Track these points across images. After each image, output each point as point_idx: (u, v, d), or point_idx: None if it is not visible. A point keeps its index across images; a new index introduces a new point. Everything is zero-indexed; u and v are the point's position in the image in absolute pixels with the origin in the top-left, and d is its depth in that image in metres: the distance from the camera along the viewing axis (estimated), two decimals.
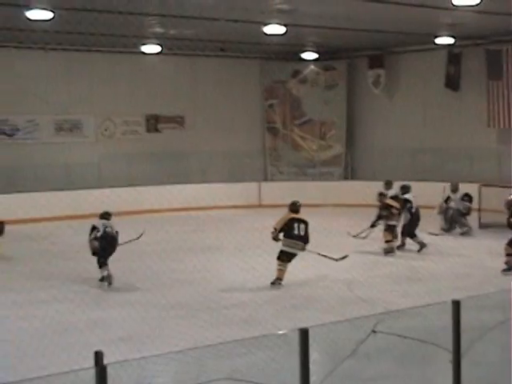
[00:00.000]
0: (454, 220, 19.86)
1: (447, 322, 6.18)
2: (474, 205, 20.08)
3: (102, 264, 13.85)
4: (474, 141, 24.88)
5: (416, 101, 26.94)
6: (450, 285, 13.48)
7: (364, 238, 18.00)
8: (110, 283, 13.75)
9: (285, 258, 13.84)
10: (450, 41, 23.33)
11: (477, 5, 16.78)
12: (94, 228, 14.02)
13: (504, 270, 14.62)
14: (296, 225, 13.87)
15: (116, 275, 13.96)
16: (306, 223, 14.00)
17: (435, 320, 7.44)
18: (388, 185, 19.07)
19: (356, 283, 13.78)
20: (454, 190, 20.01)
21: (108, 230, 13.96)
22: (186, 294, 13.05)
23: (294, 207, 14.25)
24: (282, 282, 13.71)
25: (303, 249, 13.95)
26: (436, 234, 19.00)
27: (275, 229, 13.85)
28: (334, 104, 28.40)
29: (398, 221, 17.29)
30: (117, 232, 14.13)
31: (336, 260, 14.81)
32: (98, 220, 14.24)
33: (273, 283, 13.72)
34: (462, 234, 19.52)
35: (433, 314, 7.70)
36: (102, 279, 13.85)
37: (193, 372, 7.03)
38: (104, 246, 13.79)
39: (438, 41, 23.36)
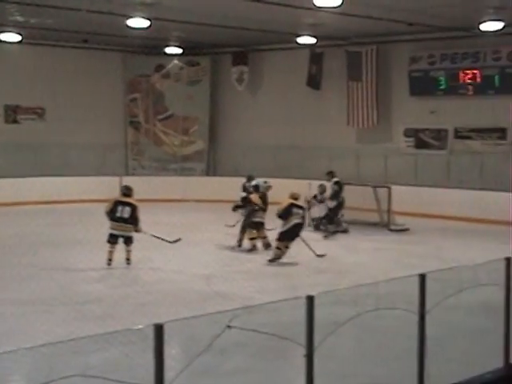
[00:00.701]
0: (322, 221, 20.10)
1: (302, 317, 6.26)
2: None
3: None
4: (334, 139, 25.43)
5: (278, 98, 27.29)
6: (306, 280, 13.71)
7: (232, 226, 17.92)
8: None
9: (110, 239, 14.58)
10: (312, 41, 23.70)
11: (338, 6, 17.11)
12: None
13: (270, 260, 15.51)
14: (119, 208, 14.58)
15: None
16: (131, 206, 14.63)
17: (290, 315, 7.52)
18: (250, 179, 19.30)
19: (214, 278, 13.82)
20: (322, 191, 20.23)
21: None
22: (41, 290, 12.69)
23: (122, 190, 15.23)
24: (144, 281, 13.72)
25: (136, 230, 14.65)
26: (232, 226, 17.98)
27: (106, 212, 14.75)
28: (197, 99, 28.41)
29: (262, 217, 17.11)
30: None
31: (170, 242, 15.38)
32: None
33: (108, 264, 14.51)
34: (343, 231, 19.76)
35: (288, 309, 7.79)
36: None
37: (45, 369, 6.85)
38: None
39: (301, 40, 23.69)
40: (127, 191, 14.98)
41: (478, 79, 22.78)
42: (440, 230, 20.29)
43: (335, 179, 19.93)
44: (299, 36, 23.33)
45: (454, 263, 12.44)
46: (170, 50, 27.22)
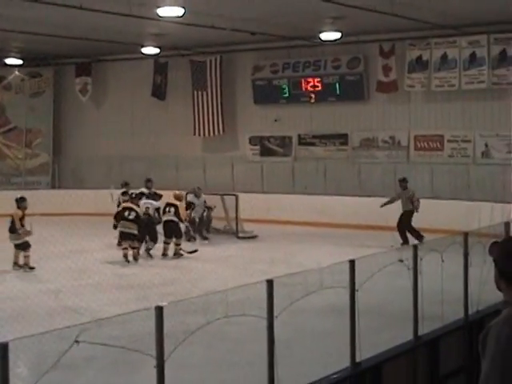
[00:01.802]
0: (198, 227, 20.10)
1: (153, 328, 6.23)
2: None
3: None
4: (181, 149, 25.47)
5: (124, 109, 27.09)
6: (157, 291, 13.67)
7: None
8: None
9: None
10: (156, 51, 23.67)
11: (181, 16, 17.16)
12: None
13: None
14: None
15: None
16: None
17: (141, 326, 7.49)
18: (126, 186, 19.26)
19: (65, 292, 13.56)
20: (198, 195, 20.21)
21: None
22: None
23: None
24: None
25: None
26: None
27: None
28: (40, 112, 27.83)
29: (128, 227, 17.02)
30: None
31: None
32: None
33: None
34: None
35: (139, 320, 7.75)
36: None
37: None
38: None
39: (145, 50, 23.62)
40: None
41: (320, 87, 23.39)
42: (287, 235, 20.66)
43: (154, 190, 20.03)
44: (143, 46, 23.25)
45: (301, 267, 12.71)
46: (10, 61, 26.52)
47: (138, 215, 17.04)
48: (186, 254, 17.41)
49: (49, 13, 17.91)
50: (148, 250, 17.60)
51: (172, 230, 17.46)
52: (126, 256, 16.88)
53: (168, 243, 17.46)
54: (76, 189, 25.52)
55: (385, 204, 18.78)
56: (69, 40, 21.71)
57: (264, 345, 7.05)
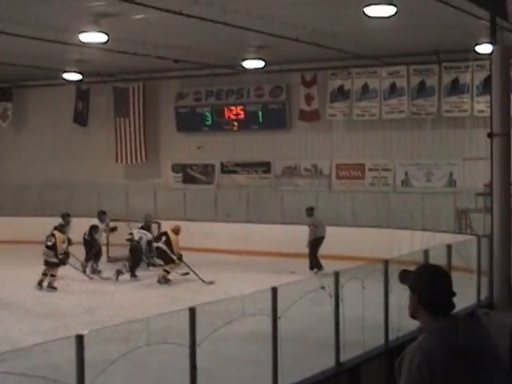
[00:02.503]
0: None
1: (73, 357, 6.16)
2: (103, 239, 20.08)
3: None
4: (103, 176, 25.24)
5: (45, 135, 26.77)
6: (78, 319, 13.48)
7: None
8: None
9: None
10: (78, 77, 23.48)
11: (104, 43, 17.04)
12: None
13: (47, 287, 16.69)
14: None
15: None
16: None
17: (61, 356, 7.38)
18: (66, 217, 18.81)
19: None
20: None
21: None
22: None
23: None
24: None
25: None
26: None
27: None
28: None
29: (46, 255, 16.85)
30: None
31: None
32: None
33: None
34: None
35: (59, 349, 7.63)
36: None
37: None
38: None
39: (67, 76, 23.40)
40: None
41: (242, 115, 23.53)
42: (210, 263, 20.57)
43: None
44: (65, 72, 23.04)
45: (225, 295, 12.70)
46: None
47: (55, 243, 16.82)
48: (172, 280, 17.68)
49: None
50: (119, 273, 18.00)
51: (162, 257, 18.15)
52: (40, 283, 16.74)
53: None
54: None
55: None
56: None
57: (186, 373, 7.01)
